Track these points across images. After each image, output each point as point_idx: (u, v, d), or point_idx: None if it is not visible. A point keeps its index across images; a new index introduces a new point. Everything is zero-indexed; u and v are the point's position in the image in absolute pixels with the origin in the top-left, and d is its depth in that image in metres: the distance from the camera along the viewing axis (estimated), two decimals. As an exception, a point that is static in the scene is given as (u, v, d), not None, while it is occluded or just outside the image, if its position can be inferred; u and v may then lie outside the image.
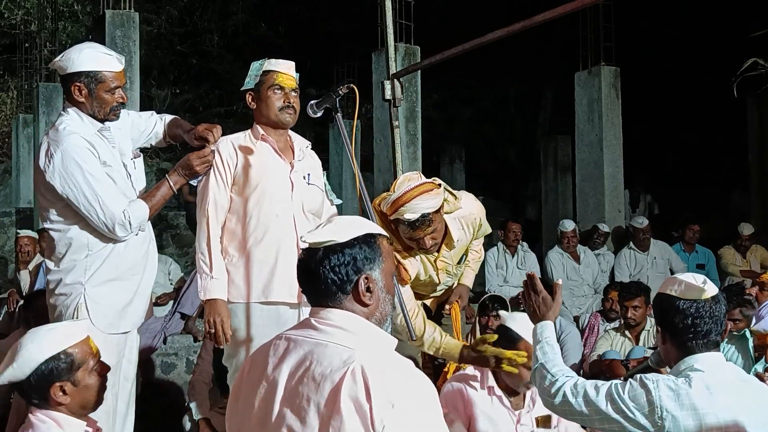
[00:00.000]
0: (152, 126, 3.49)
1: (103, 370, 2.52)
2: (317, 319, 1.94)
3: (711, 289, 2.39)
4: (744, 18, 8.76)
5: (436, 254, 3.55)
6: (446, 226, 3.43)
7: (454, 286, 3.88)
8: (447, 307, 3.80)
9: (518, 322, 3.26)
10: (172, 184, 3.23)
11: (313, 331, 1.92)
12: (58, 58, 3.21)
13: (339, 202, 3.62)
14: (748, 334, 3.83)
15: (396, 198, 3.24)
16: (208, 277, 3.22)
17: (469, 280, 3.95)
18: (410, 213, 3.21)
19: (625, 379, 3.29)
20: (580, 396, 2.39)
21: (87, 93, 3.14)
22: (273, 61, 3.36)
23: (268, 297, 3.25)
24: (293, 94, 3.34)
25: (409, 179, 3.29)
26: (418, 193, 3.22)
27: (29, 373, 2.37)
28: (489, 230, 3.83)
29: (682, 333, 2.37)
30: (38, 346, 2.39)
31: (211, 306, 3.20)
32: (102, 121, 3.20)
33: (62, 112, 3.22)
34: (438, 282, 3.69)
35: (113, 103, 3.17)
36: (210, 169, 3.26)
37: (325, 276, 1.93)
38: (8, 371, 2.38)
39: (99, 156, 3.12)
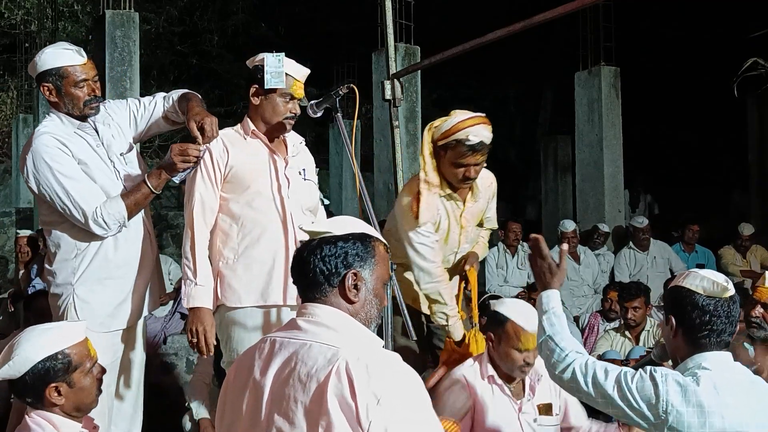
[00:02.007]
0: (151, 111, 3.37)
1: (100, 373, 2.51)
2: (303, 318, 1.95)
3: (732, 289, 2.39)
4: (744, 18, 8.76)
5: (462, 207, 3.60)
6: None
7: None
8: (467, 267, 3.74)
9: (505, 305, 3.28)
10: (149, 183, 3.12)
11: (297, 331, 1.93)
12: (29, 65, 3.20)
13: (326, 202, 3.55)
14: (746, 345, 3.82)
15: (460, 120, 3.41)
16: (192, 284, 3.08)
17: (480, 250, 3.93)
18: (474, 136, 3.38)
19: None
20: (589, 376, 2.39)
21: (56, 92, 3.11)
22: (293, 64, 3.19)
23: (267, 300, 3.14)
24: (297, 102, 3.24)
25: (462, 112, 3.48)
26: (480, 121, 3.42)
27: (24, 372, 2.36)
28: (496, 224, 3.93)
29: (697, 329, 2.36)
30: (35, 345, 2.37)
31: (195, 314, 3.07)
32: (81, 118, 3.15)
33: (46, 115, 3.22)
34: (457, 243, 3.68)
35: (85, 98, 3.11)
36: (194, 167, 3.12)
37: (314, 265, 1.95)
38: (4, 369, 2.37)
39: (73, 154, 3.08)
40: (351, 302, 1.96)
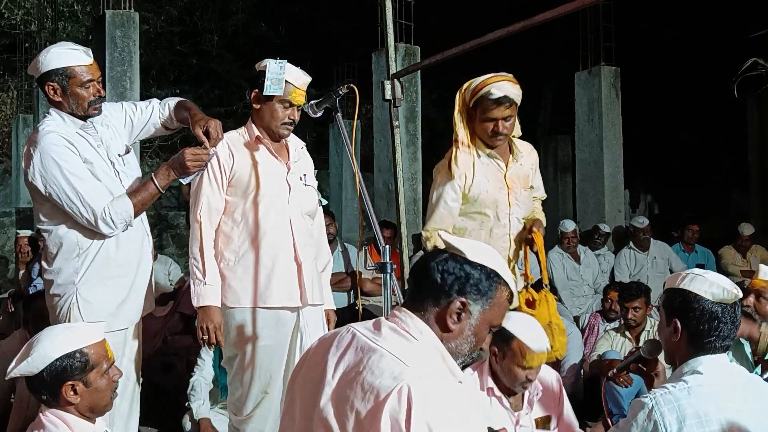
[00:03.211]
0: (148, 116, 3.39)
1: (116, 375, 2.53)
2: (390, 323, 1.90)
3: (739, 294, 2.38)
4: (744, 18, 8.76)
5: (504, 168, 3.66)
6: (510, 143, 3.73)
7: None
8: (534, 229, 3.75)
9: (512, 321, 3.20)
10: (157, 183, 3.14)
11: (378, 334, 1.88)
12: (31, 64, 3.20)
13: (324, 202, 3.60)
14: (742, 339, 3.83)
15: (485, 78, 3.55)
16: (201, 283, 3.19)
17: (541, 216, 3.94)
18: (496, 89, 3.50)
19: (618, 371, 3.28)
20: None
21: (61, 91, 3.12)
22: (293, 71, 3.24)
23: (266, 302, 3.22)
24: (297, 108, 3.29)
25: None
26: (506, 78, 3.55)
27: (42, 368, 2.38)
28: (544, 194, 4.00)
29: (704, 335, 2.35)
30: (54, 342, 2.40)
31: (204, 312, 3.18)
32: (83, 118, 3.16)
33: (46, 114, 3.22)
34: (507, 204, 3.69)
35: (90, 98, 3.13)
36: (203, 169, 3.17)
37: (432, 274, 1.88)
38: (22, 365, 2.39)
39: (79, 153, 3.09)
40: (447, 329, 1.87)
